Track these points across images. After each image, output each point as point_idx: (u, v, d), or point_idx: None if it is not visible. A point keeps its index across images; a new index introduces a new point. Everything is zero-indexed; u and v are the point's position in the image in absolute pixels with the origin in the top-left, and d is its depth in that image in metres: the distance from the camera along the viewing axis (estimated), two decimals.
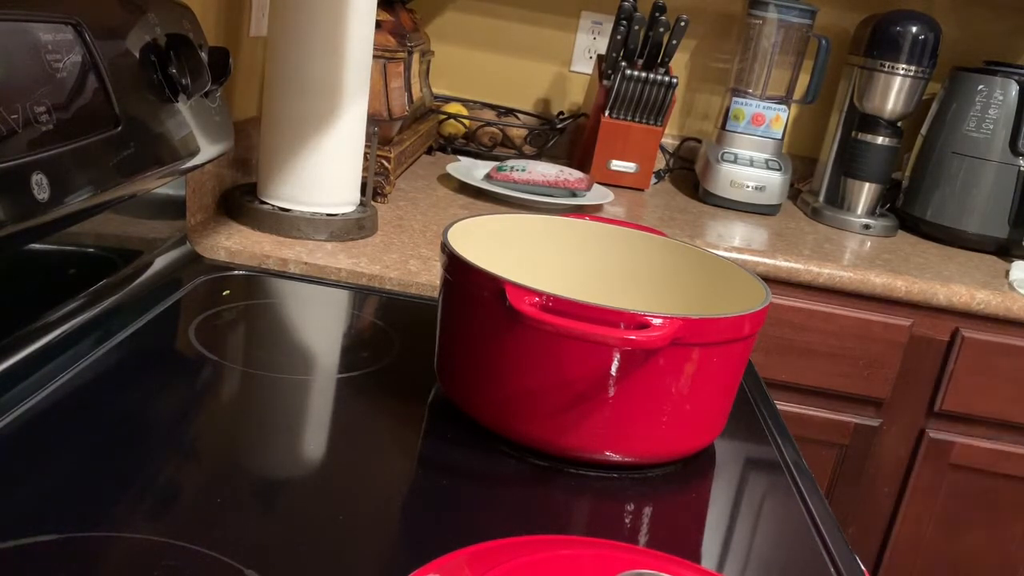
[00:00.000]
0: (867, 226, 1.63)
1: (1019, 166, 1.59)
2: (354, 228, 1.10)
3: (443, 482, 0.60)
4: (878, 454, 1.47)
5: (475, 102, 1.90)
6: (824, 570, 0.58)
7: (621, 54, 1.63)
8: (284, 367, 0.74)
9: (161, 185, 0.84)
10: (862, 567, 0.60)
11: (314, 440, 0.63)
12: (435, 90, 1.91)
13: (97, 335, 0.73)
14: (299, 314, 0.88)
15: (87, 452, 0.56)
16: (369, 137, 1.18)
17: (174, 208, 0.92)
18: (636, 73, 1.61)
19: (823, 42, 1.63)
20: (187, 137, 0.83)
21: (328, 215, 1.08)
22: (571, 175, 1.47)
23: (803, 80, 1.74)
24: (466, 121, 1.77)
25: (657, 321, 0.59)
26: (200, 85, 0.82)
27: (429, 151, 1.74)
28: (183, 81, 0.81)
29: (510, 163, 1.48)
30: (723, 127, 1.71)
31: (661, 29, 1.60)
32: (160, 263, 0.89)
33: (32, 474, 0.53)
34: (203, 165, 0.87)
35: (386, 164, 1.30)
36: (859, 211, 1.68)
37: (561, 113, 1.87)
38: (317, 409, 0.68)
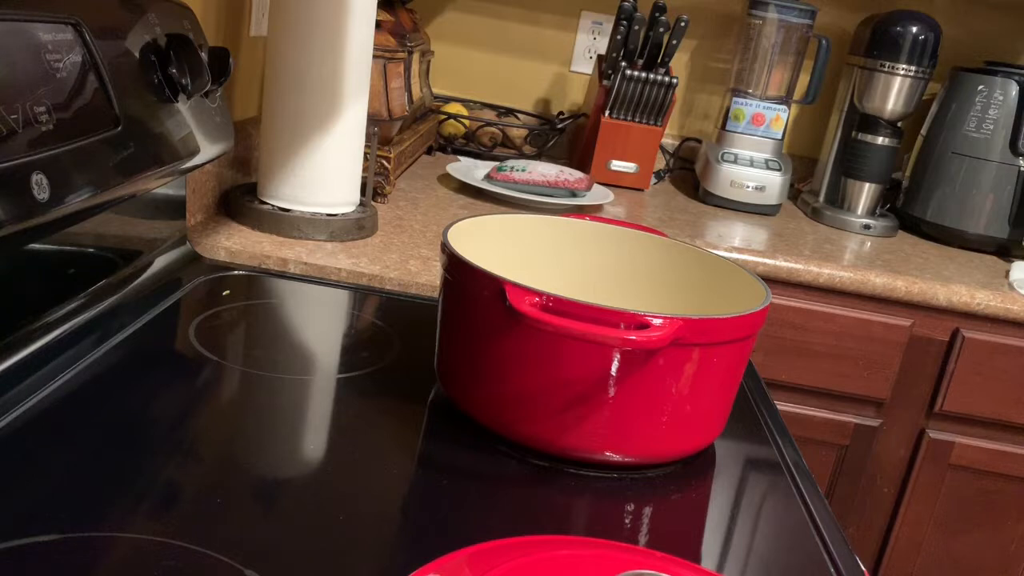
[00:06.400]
0: (867, 226, 1.63)
1: (1019, 166, 1.59)
2: (354, 228, 1.10)
3: (443, 482, 0.60)
4: (878, 454, 1.47)
5: (475, 102, 1.90)
6: (824, 570, 0.58)
7: (621, 54, 1.63)
8: (284, 367, 0.74)
9: (161, 185, 0.84)
10: (862, 567, 0.60)
11: (314, 440, 0.63)
12: (435, 90, 1.91)
13: (97, 335, 0.73)
14: (299, 314, 0.88)
15: (87, 452, 0.56)
16: (369, 137, 1.18)
17: (174, 208, 0.92)
18: (636, 73, 1.61)
19: (823, 42, 1.63)
20: (187, 137, 0.83)
21: (328, 215, 1.08)
22: (571, 175, 1.47)
23: (803, 80, 1.74)
24: (466, 121, 1.77)
25: (657, 321, 0.59)
26: (200, 85, 0.82)
27: (429, 151, 1.74)
28: (183, 81, 0.81)
29: (510, 163, 1.48)
30: (723, 127, 1.71)
31: (661, 29, 1.60)
32: (160, 263, 0.89)
33: (32, 474, 0.53)
34: (203, 165, 0.87)
35: (386, 164, 1.30)
36: (859, 211, 1.68)
37: (561, 113, 1.87)
38: (317, 409, 0.68)
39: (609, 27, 1.88)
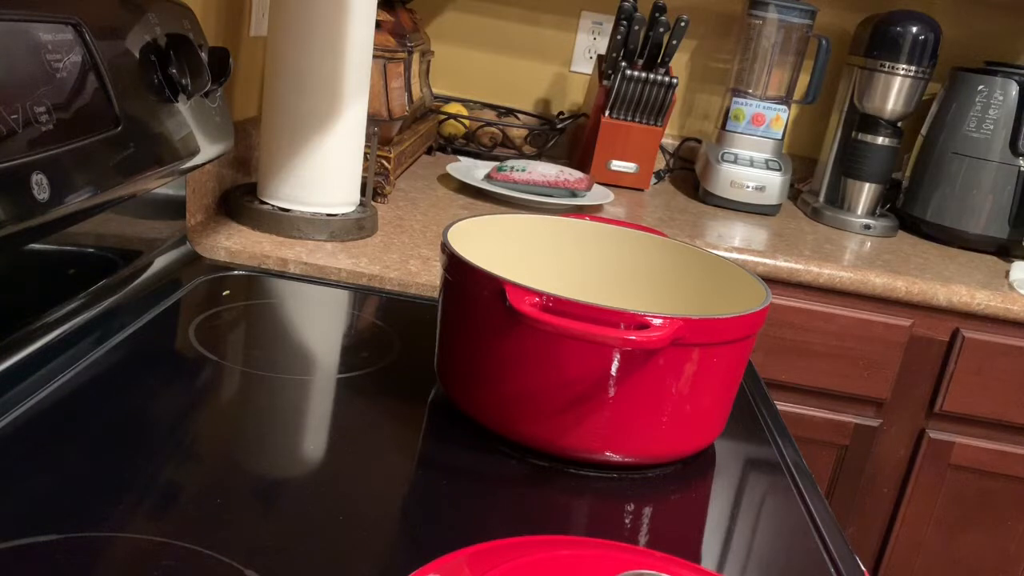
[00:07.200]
0: (867, 226, 1.63)
1: (1019, 166, 1.59)
2: (354, 228, 1.10)
3: (443, 482, 0.60)
4: (878, 454, 1.47)
5: (475, 102, 1.90)
6: (824, 570, 0.58)
7: (621, 54, 1.63)
8: (284, 367, 0.74)
9: (161, 185, 0.84)
10: (862, 567, 0.60)
11: (314, 440, 0.63)
12: (435, 90, 1.91)
13: (97, 335, 0.73)
14: (299, 314, 0.88)
15: (87, 452, 0.56)
16: (369, 137, 1.18)
17: (174, 208, 0.92)
18: (636, 73, 1.61)
19: (823, 42, 1.63)
20: (187, 137, 0.83)
21: (328, 215, 1.08)
22: (571, 175, 1.47)
23: (803, 80, 1.74)
24: (466, 121, 1.77)
25: (657, 321, 0.59)
26: (200, 85, 0.82)
27: (429, 151, 1.74)
28: (183, 81, 0.81)
29: (510, 163, 1.48)
30: (723, 127, 1.71)
31: (661, 29, 1.60)
32: (160, 263, 0.89)
33: (32, 474, 0.53)
34: (203, 165, 0.87)
35: (386, 164, 1.30)
36: (859, 211, 1.68)
37: (561, 113, 1.87)
38: (317, 409, 0.68)
39: (609, 27, 1.88)
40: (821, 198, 1.74)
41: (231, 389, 0.69)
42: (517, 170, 1.46)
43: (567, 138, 1.89)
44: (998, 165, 1.60)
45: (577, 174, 1.48)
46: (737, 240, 1.43)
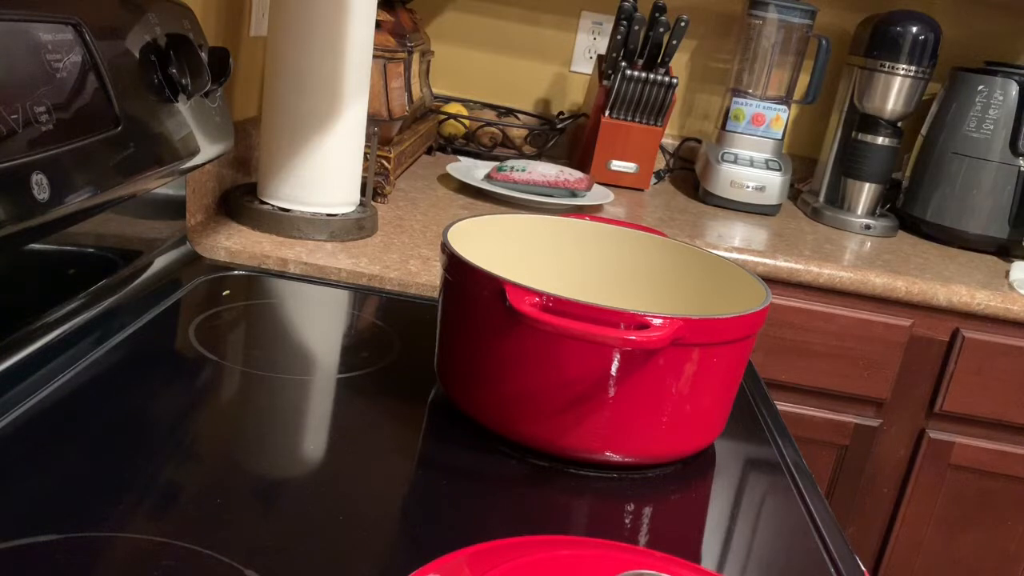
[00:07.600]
0: (867, 226, 1.63)
1: (1019, 166, 1.59)
2: (354, 228, 1.10)
3: (443, 482, 0.60)
4: (878, 454, 1.47)
5: (475, 102, 1.90)
6: (824, 570, 0.58)
7: (621, 54, 1.63)
8: (284, 367, 0.74)
9: (161, 185, 0.84)
10: (862, 567, 0.60)
11: (314, 440, 0.63)
12: (435, 90, 1.91)
13: (97, 335, 0.73)
14: (299, 314, 0.88)
15: (87, 452, 0.56)
16: (369, 137, 1.18)
17: (174, 208, 0.92)
18: (636, 73, 1.61)
19: (823, 42, 1.63)
20: (187, 137, 0.83)
21: (328, 215, 1.08)
22: (571, 175, 1.47)
23: (803, 80, 1.74)
24: (466, 121, 1.77)
25: (657, 321, 0.59)
26: (200, 85, 0.82)
27: (429, 151, 1.74)
28: (183, 81, 0.81)
29: (510, 163, 1.48)
30: (723, 127, 1.71)
31: (661, 29, 1.60)
32: (160, 263, 0.89)
33: (32, 474, 0.53)
34: (203, 165, 0.87)
35: (386, 164, 1.30)
36: (859, 211, 1.68)
37: (561, 113, 1.87)
38: (317, 409, 0.68)
39: (609, 27, 1.88)
40: (821, 198, 1.74)
41: (231, 389, 0.69)
42: (517, 170, 1.46)
43: (567, 138, 1.89)
44: (998, 165, 1.60)
45: (577, 174, 1.48)
46: (737, 240, 1.43)
